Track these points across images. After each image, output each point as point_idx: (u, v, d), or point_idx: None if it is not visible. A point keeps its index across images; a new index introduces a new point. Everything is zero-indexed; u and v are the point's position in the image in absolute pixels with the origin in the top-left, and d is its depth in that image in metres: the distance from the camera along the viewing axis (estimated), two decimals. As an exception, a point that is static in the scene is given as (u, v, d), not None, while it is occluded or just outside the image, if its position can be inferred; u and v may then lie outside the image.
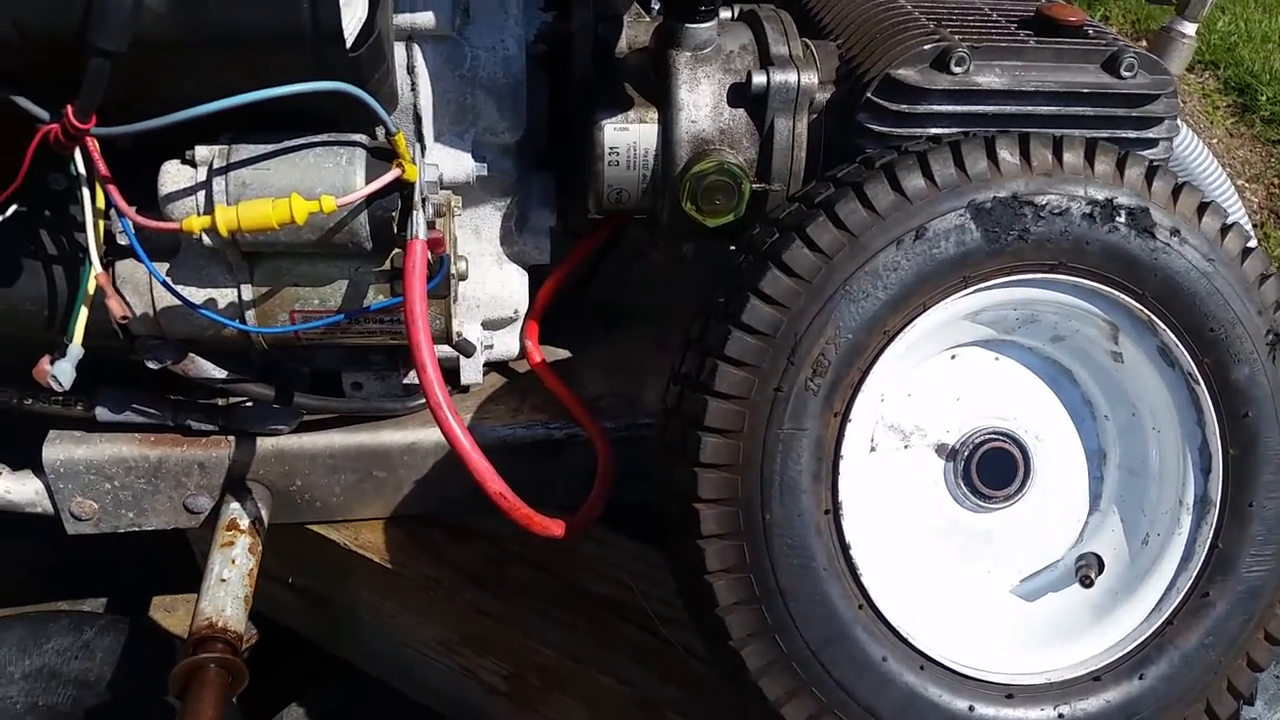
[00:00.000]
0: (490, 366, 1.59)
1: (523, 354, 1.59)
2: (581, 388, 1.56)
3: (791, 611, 1.10)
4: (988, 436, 1.23)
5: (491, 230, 1.48)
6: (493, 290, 1.50)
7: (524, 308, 1.54)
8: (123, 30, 0.95)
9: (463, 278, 1.35)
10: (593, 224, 1.56)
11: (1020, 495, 1.25)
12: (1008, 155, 1.14)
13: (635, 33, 1.43)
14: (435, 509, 1.53)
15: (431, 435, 1.48)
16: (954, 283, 1.13)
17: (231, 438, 1.41)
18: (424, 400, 1.46)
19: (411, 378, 1.46)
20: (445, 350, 1.40)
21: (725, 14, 1.44)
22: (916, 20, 1.38)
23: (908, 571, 1.21)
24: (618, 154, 1.35)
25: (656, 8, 1.58)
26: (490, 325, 1.54)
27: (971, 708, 1.15)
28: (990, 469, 1.23)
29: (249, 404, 1.39)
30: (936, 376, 1.23)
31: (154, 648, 1.55)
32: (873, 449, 1.21)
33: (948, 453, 1.23)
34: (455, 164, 1.36)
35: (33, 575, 1.88)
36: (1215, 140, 3.29)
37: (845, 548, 1.12)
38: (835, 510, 1.12)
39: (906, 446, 1.23)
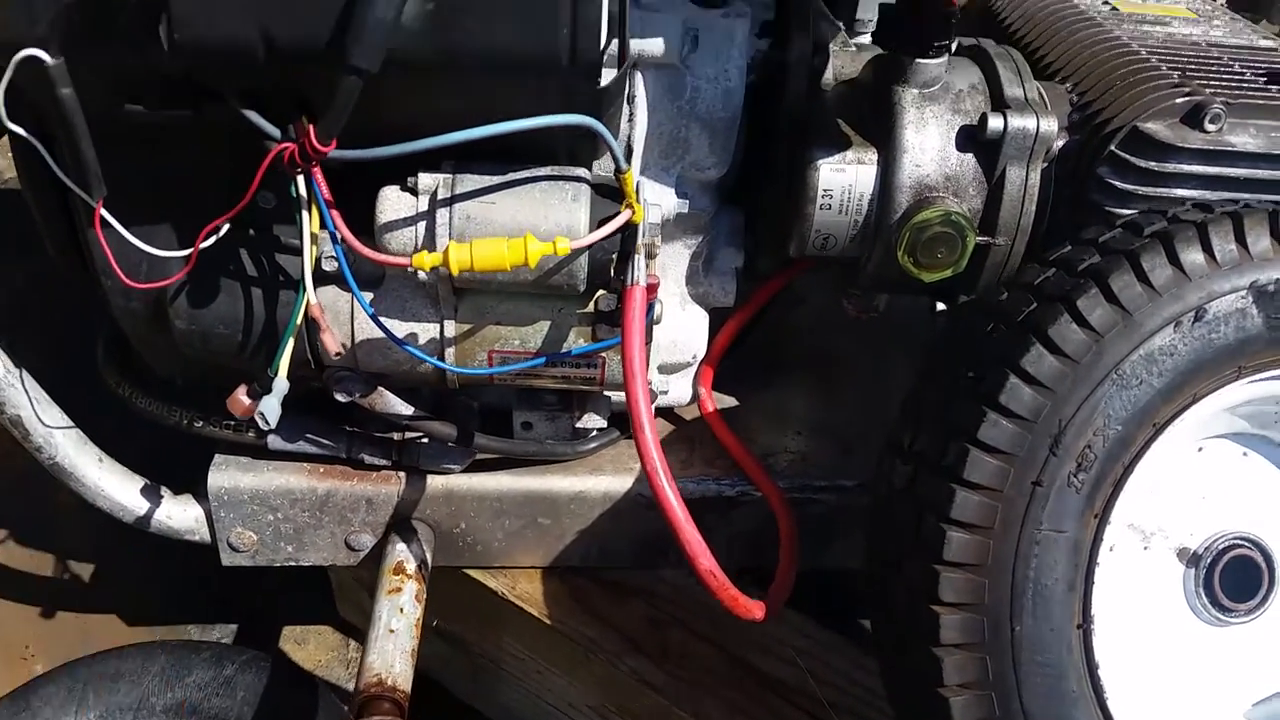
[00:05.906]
0: (657, 411, 1.51)
1: (694, 400, 1.50)
2: (750, 440, 1.47)
3: (1034, 735, 1.00)
4: (1233, 542, 1.12)
5: (678, 270, 1.39)
6: (673, 334, 1.41)
7: (702, 352, 1.45)
8: (379, 49, 0.88)
9: (657, 322, 1.27)
10: (778, 267, 1.48)
11: (1261, 610, 1.14)
12: (1293, 233, 1.04)
13: (841, 63, 1.34)
14: (595, 560, 1.44)
15: (600, 485, 1.39)
16: (1228, 372, 1.02)
17: (402, 474, 1.33)
18: (595, 445, 1.40)
19: (585, 421, 1.38)
20: (621, 396, 1.32)
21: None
22: (1158, 69, 1.28)
23: (1146, 694, 1.10)
24: (831, 196, 1.26)
25: (865, 37, 1.50)
26: (666, 369, 1.45)
27: None
28: (1232, 578, 1.12)
29: (424, 440, 1.32)
30: (1182, 471, 1.12)
31: (297, 690, 1.47)
32: (1110, 549, 1.11)
33: (1189, 557, 1.12)
34: (658, 200, 1.27)
35: (158, 593, 1.82)
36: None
37: (1094, 667, 1.01)
38: (1086, 624, 1.01)
39: (1146, 548, 1.12)
